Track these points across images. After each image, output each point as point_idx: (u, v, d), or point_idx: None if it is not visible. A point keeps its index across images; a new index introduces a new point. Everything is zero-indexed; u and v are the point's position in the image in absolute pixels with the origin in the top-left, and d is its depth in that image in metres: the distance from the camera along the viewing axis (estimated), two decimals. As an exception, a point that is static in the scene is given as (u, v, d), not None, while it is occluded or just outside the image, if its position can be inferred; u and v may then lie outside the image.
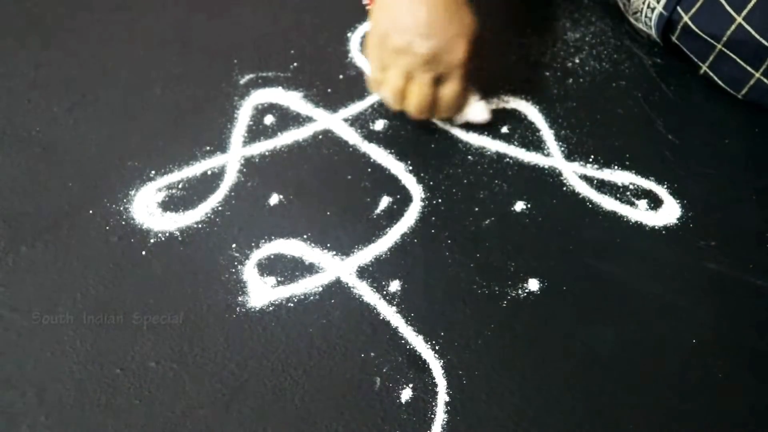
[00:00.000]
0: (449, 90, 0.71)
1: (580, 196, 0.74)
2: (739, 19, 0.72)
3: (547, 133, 0.78)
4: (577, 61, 0.85)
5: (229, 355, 0.64)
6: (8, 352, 0.64)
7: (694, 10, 0.76)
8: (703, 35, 0.77)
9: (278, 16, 0.90)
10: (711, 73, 0.80)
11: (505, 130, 0.78)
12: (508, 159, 0.76)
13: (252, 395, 0.61)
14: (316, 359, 0.63)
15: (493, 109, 0.79)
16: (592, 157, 0.76)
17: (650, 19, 0.81)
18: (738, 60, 0.76)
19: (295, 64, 0.84)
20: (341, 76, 0.83)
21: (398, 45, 0.69)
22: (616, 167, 0.75)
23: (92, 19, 0.89)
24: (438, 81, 0.71)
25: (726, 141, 0.78)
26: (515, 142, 0.77)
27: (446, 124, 0.78)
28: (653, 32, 0.83)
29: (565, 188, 0.74)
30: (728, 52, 0.76)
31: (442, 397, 0.61)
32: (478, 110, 0.76)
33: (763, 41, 0.72)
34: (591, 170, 0.75)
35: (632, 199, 0.73)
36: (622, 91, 0.82)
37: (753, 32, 0.72)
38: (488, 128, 0.78)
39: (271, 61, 0.84)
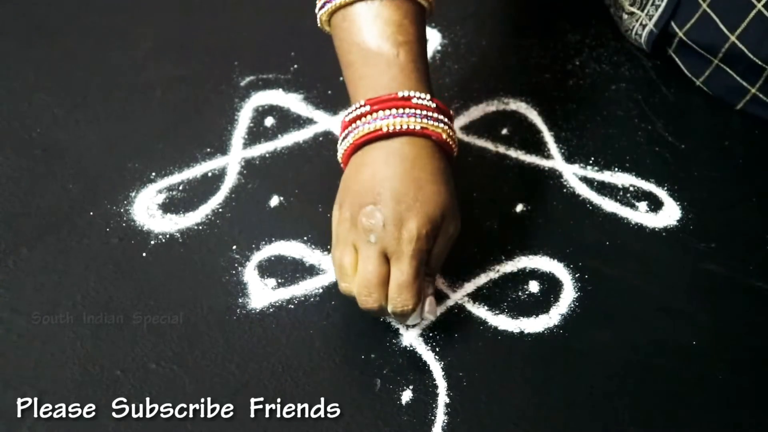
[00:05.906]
0: (397, 274, 0.59)
1: (581, 198, 0.74)
2: (733, 38, 0.73)
3: (547, 135, 0.78)
4: (577, 63, 0.85)
5: (229, 356, 0.63)
6: (8, 352, 0.64)
7: (688, 26, 0.76)
8: (700, 50, 0.77)
9: (278, 17, 0.90)
10: (705, 88, 0.80)
11: (505, 132, 0.78)
12: (508, 161, 0.76)
13: (252, 397, 0.61)
14: (317, 361, 0.63)
15: (494, 111, 0.80)
16: (593, 158, 0.76)
17: (640, 36, 0.82)
18: (734, 75, 0.76)
19: (295, 66, 0.84)
20: (341, 78, 0.82)
21: (345, 210, 0.61)
22: (616, 169, 0.76)
23: (92, 20, 0.89)
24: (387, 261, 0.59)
25: (726, 143, 0.78)
26: (515, 144, 0.77)
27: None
28: (644, 48, 0.83)
29: (565, 190, 0.74)
30: (724, 66, 0.76)
31: (443, 398, 0.61)
32: (428, 307, 0.62)
33: (757, 60, 0.72)
34: (591, 172, 0.75)
35: (632, 200, 0.73)
36: (622, 92, 0.82)
37: (746, 51, 0.72)
38: (488, 130, 0.78)
39: (272, 63, 0.84)
